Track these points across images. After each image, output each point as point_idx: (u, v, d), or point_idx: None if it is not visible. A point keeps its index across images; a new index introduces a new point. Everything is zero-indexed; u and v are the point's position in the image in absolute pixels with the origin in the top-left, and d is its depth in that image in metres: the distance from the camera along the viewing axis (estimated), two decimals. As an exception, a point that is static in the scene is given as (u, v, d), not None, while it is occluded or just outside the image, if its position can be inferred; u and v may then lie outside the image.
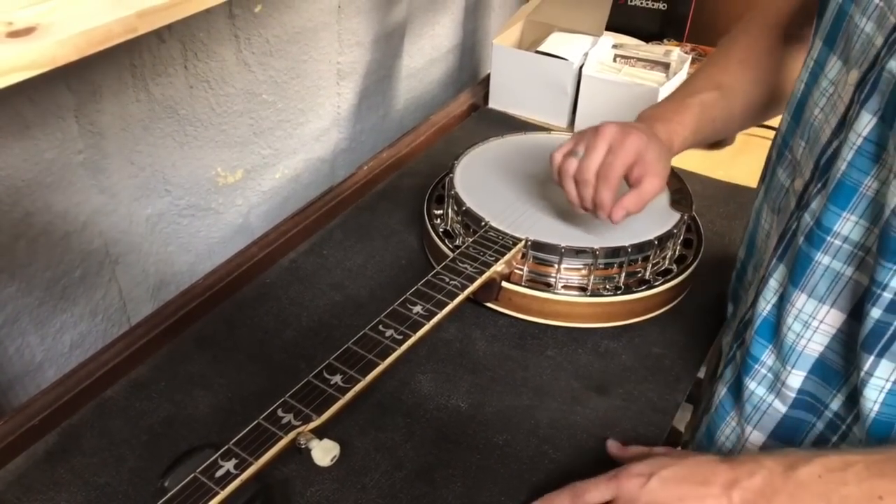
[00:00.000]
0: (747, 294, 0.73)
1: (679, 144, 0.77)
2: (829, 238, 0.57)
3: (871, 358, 0.55)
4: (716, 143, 1.23)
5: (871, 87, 0.53)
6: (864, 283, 0.56)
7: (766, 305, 0.64)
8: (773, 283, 0.64)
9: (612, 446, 0.67)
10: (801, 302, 0.60)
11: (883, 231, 0.52)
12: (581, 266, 0.78)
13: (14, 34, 0.44)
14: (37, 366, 0.81)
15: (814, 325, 0.60)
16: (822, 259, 0.58)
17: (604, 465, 0.66)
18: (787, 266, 0.62)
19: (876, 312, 0.54)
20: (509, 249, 0.77)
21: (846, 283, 0.57)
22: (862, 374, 0.55)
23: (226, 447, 0.54)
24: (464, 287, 0.72)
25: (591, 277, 0.78)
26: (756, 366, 0.65)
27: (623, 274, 0.79)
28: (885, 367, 0.54)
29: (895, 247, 0.51)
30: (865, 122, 0.53)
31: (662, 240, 0.80)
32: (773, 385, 0.64)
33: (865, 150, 0.54)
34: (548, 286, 0.78)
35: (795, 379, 0.62)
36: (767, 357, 0.64)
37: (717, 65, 0.81)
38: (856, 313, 0.57)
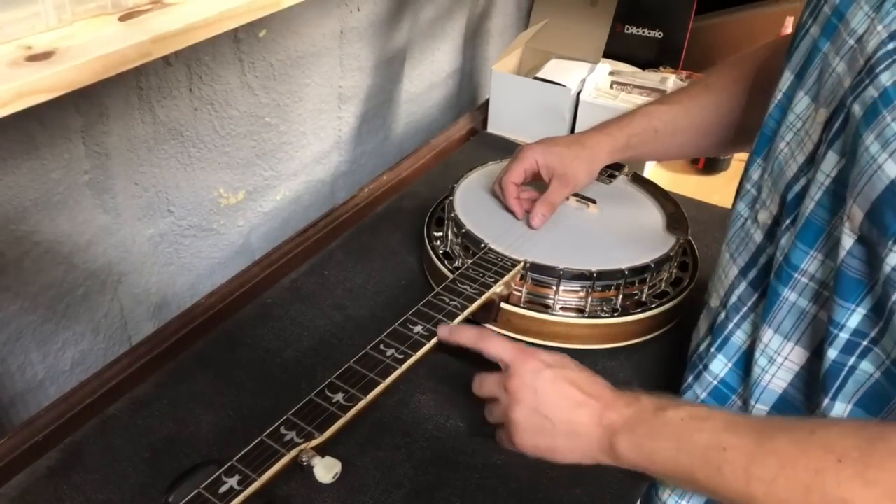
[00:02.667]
0: (714, 323, 0.71)
1: (608, 150, 0.84)
2: (795, 275, 0.58)
3: (827, 400, 0.55)
4: (711, 169, 1.25)
5: (839, 129, 0.54)
6: (826, 321, 0.56)
7: (745, 338, 0.65)
8: (746, 313, 0.65)
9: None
10: (768, 337, 0.61)
11: (839, 270, 0.53)
12: (579, 288, 0.79)
13: (33, 58, 0.45)
14: (38, 383, 0.82)
15: (778, 361, 0.60)
16: (789, 296, 0.59)
17: (602, 486, 0.67)
18: (760, 299, 0.63)
19: (832, 353, 0.54)
20: (508, 271, 0.78)
21: (811, 321, 0.58)
22: (818, 413, 0.56)
23: (229, 464, 0.55)
24: (463, 308, 0.73)
25: (589, 299, 0.79)
26: (733, 396, 0.66)
27: (620, 296, 0.80)
28: (838, 409, 0.54)
29: (850, 286, 0.52)
30: (833, 163, 0.54)
31: (659, 263, 0.81)
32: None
33: (831, 189, 0.54)
34: (546, 308, 0.79)
35: (759, 413, 0.62)
36: (738, 393, 0.65)
37: (685, 87, 0.86)
38: (818, 352, 0.58)
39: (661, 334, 0.83)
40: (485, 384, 0.66)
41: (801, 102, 0.61)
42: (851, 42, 0.54)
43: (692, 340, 0.77)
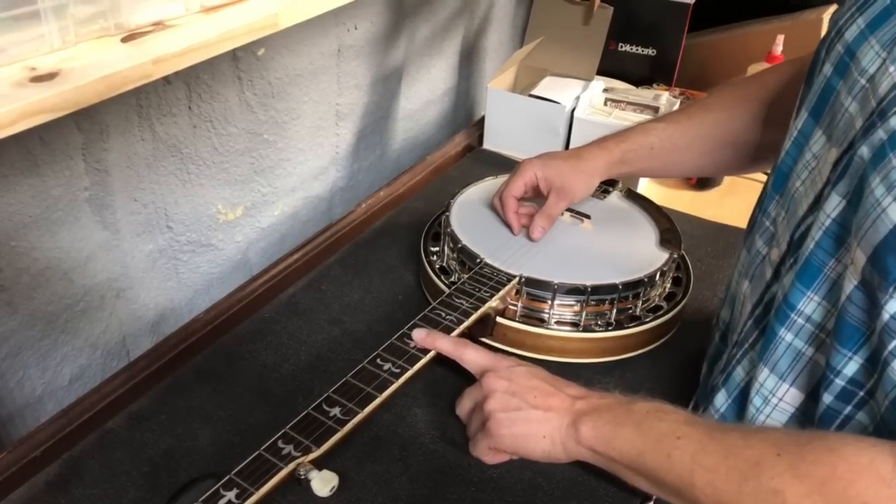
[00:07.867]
0: (725, 357, 0.71)
1: (605, 164, 0.85)
2: (792, 315, 0.57)
3: None
4: (704, 184, 1.26)
5: (843, 170, 0.53)
6: (823, 365, 0.55)
7: (743, 375, 0.65)
8: (747, 350, 0.64)
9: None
10: (764, 376, 0.60)
11: (839, 316, 0.52)
12: (573, 302, 0.80)
13: (37, 79, 0.46)
14: (37, 399, 0.82)
15: (773, 401, 0.60)
16: (786, 336, 0.58)
17: (596, 499, 0.67)
18: (760, 337, 0.63)
19: (827, 398, 0.54)
20: (504, 286, 0.79)
21: (806, 363, 0.58)
22: None
23: (227, 477, 0.55)
24: (459, 322, 0.74)
25: (584, 313, 0.80)
26: None
27: (614, 310, 0.81)
28: None
29: (849, 333, 0.52)
30: (835, 205, 0.53)
31: (652, 277, 0.82)
32: None
33: (832, 231, 0.54)
34: (541, 322, 0.80)
35: None
36: None
37: (685, 106, 0.87)
38: (814, 395, 0.57)
39: (654, 348, 0.84)
40: (464, 397, 0.68)
41: (818, 142, 0.60)
42: (863, 82, 0.53)
43: (703, 368, 0.77)
